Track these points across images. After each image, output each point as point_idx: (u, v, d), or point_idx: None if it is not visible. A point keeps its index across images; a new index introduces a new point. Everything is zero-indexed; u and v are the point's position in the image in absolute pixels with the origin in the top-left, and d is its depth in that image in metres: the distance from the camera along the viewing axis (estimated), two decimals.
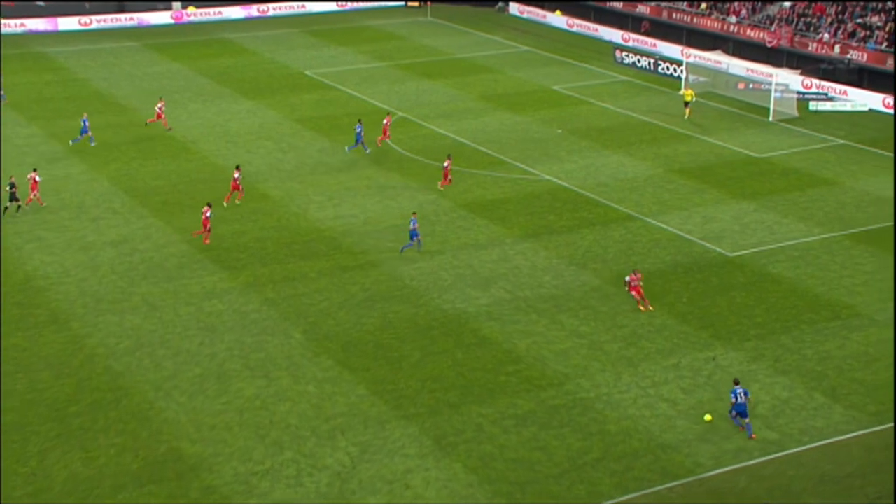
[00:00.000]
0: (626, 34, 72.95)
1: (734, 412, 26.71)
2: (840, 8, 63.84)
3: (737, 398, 26.57)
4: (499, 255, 38.04)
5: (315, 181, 46.04)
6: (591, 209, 42.31)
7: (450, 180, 44.12)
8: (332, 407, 28.46)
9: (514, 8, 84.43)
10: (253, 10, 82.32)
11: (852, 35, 61.17)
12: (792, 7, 66.22)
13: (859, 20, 61.89)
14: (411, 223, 37.42)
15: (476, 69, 66.70)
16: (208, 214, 38.43)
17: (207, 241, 38.31)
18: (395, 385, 29.48)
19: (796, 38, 63.43)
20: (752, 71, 59.96)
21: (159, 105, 53.11)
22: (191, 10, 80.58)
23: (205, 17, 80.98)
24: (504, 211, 42.30)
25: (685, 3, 72.14)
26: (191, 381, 29.60)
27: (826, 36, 61.68)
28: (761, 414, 27.58)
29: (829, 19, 63.36)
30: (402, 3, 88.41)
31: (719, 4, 70.21)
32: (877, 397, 28.19)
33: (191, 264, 37.14)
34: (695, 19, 70.43)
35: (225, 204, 41.79)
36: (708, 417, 27.44)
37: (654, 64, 64.83)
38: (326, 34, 77.30)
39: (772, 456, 26.10)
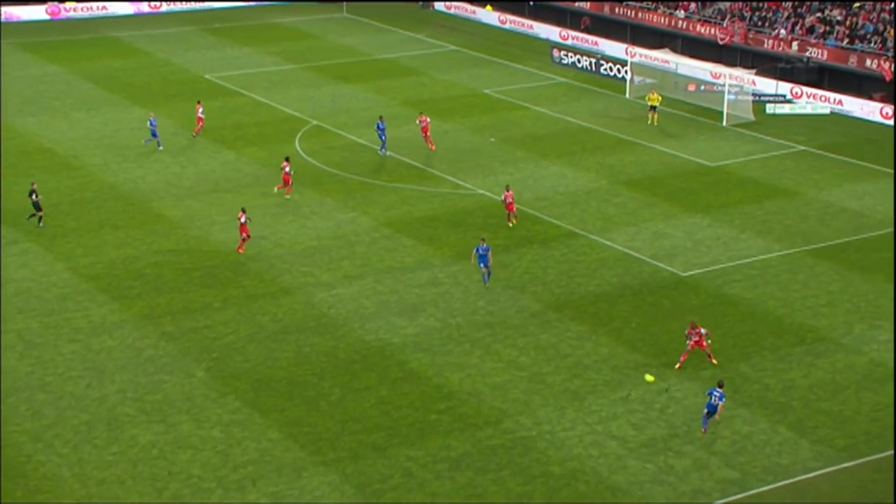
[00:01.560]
0: (565, 31, 74.10)
1: (706, 411, 28.35)
2: (797, 2, 65.75)
3: (712, 398, 28.24)
4: (427, 279, 38.18)
5: (218, 199, 45.72)
6: (529, 226, 42.76)
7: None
8: (241, 454, 28.20)
9: (440, 3, 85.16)
10: (144, 6, 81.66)
11: (811, 31, 63.03)
12: (745, 1, 68.00)
13: (818, 14, 63.83)
14: (480, 251, 36.38)
15: (399, 71, 67.00)
16: (243, 220, 39.30)
17: (242, 251, 39.54)
18: (313, 427, 29.34)
19: (750, 35, 65.14)
20: (704, 71, 61.35)
21: (200, 110, 53.13)
22: (69, 4, 79.44)
23: (87, 13, 79.98)
24: (432, 229, 42.49)
25: None
26: (76, 430, 29.07)
27: (783, 32, 63.45)
28: (721, 451, 28.10)
29: (786, 14, 65.20)
30: None
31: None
32: (846, 430, 28.94)
33: (75, 295, 36.55)
34: (640, 15, 71.89)
35: (287, 196, 44.71)
36: (650, 378, 29.62)
37: (596, 64, 65.95)
38: (229, 33, 76.94)
39: (733, 497, 26.58)
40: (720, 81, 58.22)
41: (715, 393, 28.44)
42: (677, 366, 32.17)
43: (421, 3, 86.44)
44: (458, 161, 50.26)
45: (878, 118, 55.98)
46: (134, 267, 38.96)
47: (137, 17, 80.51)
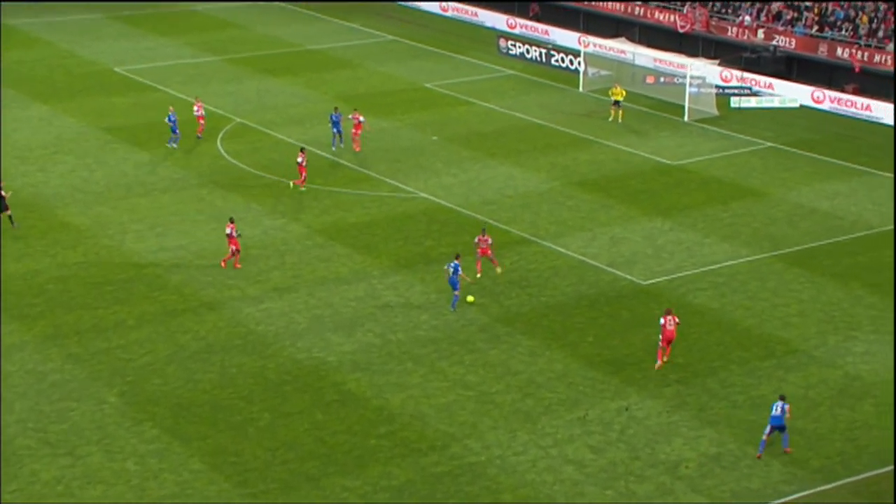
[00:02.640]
0: (512, 19, 74.50)
1: (770, 427, 28.82)
2: None
3: (773, 410, 28.84)
4: (365, 291, 38.09)
5: (132, 205, 45.25)
6: (476, 232, 42.80)
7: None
8: (159, 487, 27.87)
9: None
10: None
11: (777, 17, 63.99)
12: None
13: (785, 0, 64.89)
14: (451, 268, 36.30)
15: (332, 64, 66.84)
16: (229, 231, 39.10)
17: (224, 265, 39.37)
18: (240, 456, 29.09)
19: (713, 22, 65.96)
20: (663, 62, 62.00)
21: (196, 106, 52.44)
22: None
23: None
24: (370, 237, 42.41)
25: None
26: None
27: (747, 19, 64.34)
28: (686, 475, 28.34)
29: None
30: None
31: None
32: (820, 450, 29.32)
33: None
34: (593, 1, 72.48)
35: (302, 189, 45.96)
36: (470, 299, 31.42)
37: (546, 55, 66.35)
38: (142, 21, 76.24)
39: None
40: (681, 73, 58.87)
41: (777, 406, 28.76)
42: (656, 365, 32.81)
43: None
44: (397, 161, 50.24)
45: (848, 111, 56.89)
46: (36, 282, 38.37)
47: (36, 3, 79.38)
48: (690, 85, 57.18)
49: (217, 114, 55.72)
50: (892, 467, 28.58)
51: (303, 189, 46.19)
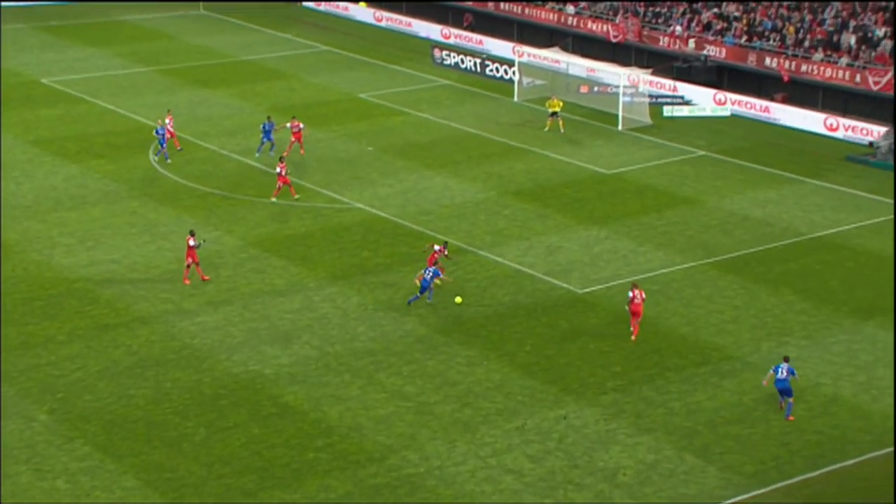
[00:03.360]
0: (446, 29, 74.68)
1: (778, 389, 30.77)
2: None
3: (778, 373, 30.59)
4: (301, 303, 37.89)
5: (61, 219, 44.62)
6: (413, 242, 42.82)
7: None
8: None
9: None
10: None
11: (707, 27, 64.85)
12: None
13: (715, 10, 65.74)
14: (426, 273, 36.69)
15: (265, 74, 66.52)
16: (192, 244, 38.52)
17: (188, 281, 38.96)
18: (175, 472, 28.75)
19: (645, 32, 66.67)
20: (597, 71, 62.49)
21: (168, 120, 51.24)
22: None
23: None
24: (306, 248, 42.21)
25: None
26: None
27: (678, 29, 65.13)
28: (624, 483, 28.50)
29: (681, 9, 66.97)
30: None
31: None
32: (755, 455, 29.66)
33: None
34: (527, 11, 72.91)
35: (273, 200, 46.00)
36: (458, 300, 33.63)
37: (481, 64, 66.60)
38: (70, 31, 75.28)
39: None
40: (614, 82, 59.39)
41: (782, 368, 30.52)
42: (633, 336, 34.73)
43: None
44: (332, 172, 50.09)
45: (778, 120, 57.77)
46: None
47: None
48: (624, 94, 57.70)
49: (148, 125, 55.12)
50: (823, 470, 29.00)
51: (273, 200, 45.89)
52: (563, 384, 32.94)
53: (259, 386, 32.79)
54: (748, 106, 59.06)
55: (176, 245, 42.10)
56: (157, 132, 50.72)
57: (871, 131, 54.21)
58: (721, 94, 60.10)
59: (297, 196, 46.23)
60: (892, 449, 29.78)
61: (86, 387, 32.58)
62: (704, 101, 60.06)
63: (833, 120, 56.08)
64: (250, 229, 43.73)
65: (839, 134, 55.48)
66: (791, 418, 30.81)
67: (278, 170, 46.06)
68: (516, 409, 31.68)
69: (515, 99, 61.66)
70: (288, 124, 51.60)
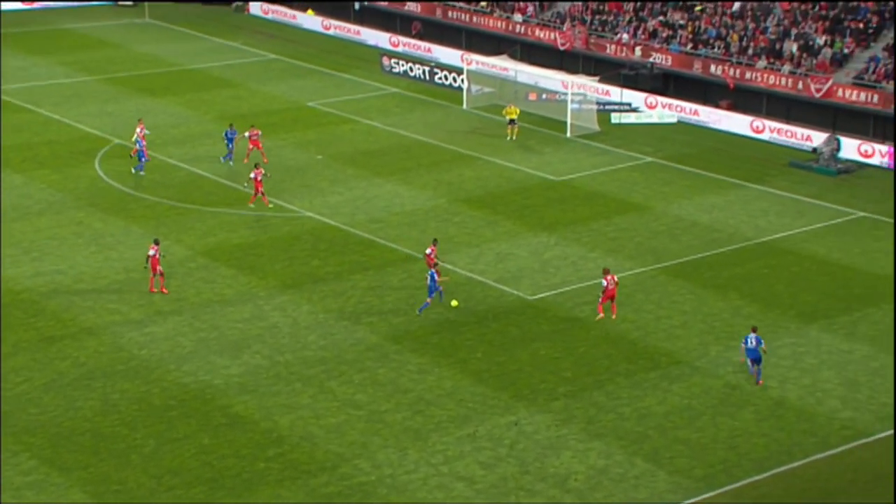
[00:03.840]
0: (395, 37, 74.74)
1: (749, 360, 33.31)
2: (638, 4, 68.17)
3: (747, 343, 33.09)
4: (251, 313, 37.72)
5: (5, 230, 44.11)
6: (364, 251, 42.79)
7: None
8: None
9: (255, 7, 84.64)
10: None
11: (653, 35, 65.46)
12: (585, 4, 70.08)
13: (660, 18, 66.35)
14: (429, 277, 37.22)
15: (212, 83, 66.19)
16: (152, 253, 38.42)
17: (154, 290, 38.63)
18: (124, 484, 28.49)
19: (592, 40, 67.15)
20: (545, 79, 62.83)
21: (139, 129, 50.77)
22: None
23: None
24: (255, 257, 42.04)
25: (462, 0, 74.77)
26: None
27: (625, 37, 65.66)
28: (575, 488, 28.65)
29: (628, 17, 67.52)
30: (112, 0, 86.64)
31: (502, 0, 73.25)
32: (704, 459, 29.94)
33: None
34: (475, 19, 73.16)
35: (251, 204, 46.46)
36: (454, 303, 35.70)
37: (430, 73, 66.73)
38: (11, 40, 74.43)
39: None
40: (562, 90, 59.72)
41: (751, 338, 32.95)
42: (613, 316, 36.88)
43: (234, 4, 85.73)
44: (282, 181, 49.93)
45: (723, 127, 58.41)
46: None
47: None
48: (572, 101, 58.07)
49: (94, 135, 54.65)
50: (770, 473, 29.36)
51: (251, 205, 46.31)
52: (514, 390, 33.05)
53: (209, 396, 32.59)
54: (694, 112, 59.65)
55: (123, 255, 41.78)
56: (138, 145, 49.92)
57: (811, 137, 54.94)
58: (667, 101, 60.66)
59: (269, 205, 46.43)
60: (834, 451, 30.23)
61: (31, 400, 32.18)
62: (651, 107, 60.57)
63: (772, 124, 56.83)
64: (199, 238, 43.47)
65: (782, 139, 56.20)
66: (761, 383, 33.10)
67: (253, 175, 46.23)
68: (468, 415, 31.74)
69: (464, 106, 61.83)
70: (247, 133, 51.51)
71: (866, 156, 53.24)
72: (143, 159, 49.92)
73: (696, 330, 36.77)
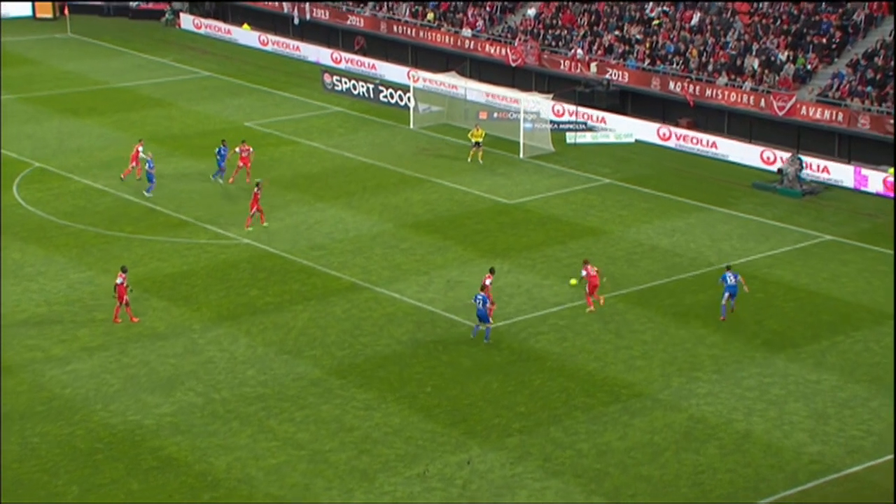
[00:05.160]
0: (337, 53, 74.84)
1: (727, 294, 39.25)
2: (593, 18, 68.76)
3: (727, 280, 39.23)
4: (185, 347, 37.41)
5: None
6: (305, 279, 42.64)
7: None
8: None
9: (187, 21, 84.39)
10: None
11: (609, 51, 66.06)
12: (537, 17, 70.63)
13: (616, 33, 66.99)
14: (477, 301, 37.84)
15: (141, 102, 65.84)
16: (120, 281, 38.38)
17: (118, 320, 38.68)
18: None
19: (545, 56, 67.64)
20: (496, 96, 63.15)
21: (139, 147, 51.31)
22: None
23: None
24: (189, 287, 41.76)
25: (408, 13, 75.08)
26: None
27: (579, 52, 66.21)
28: None
29: (582, 31, 68.09)
30: (29, 14, 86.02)
31: (450, 14, 73.64)
32: (667, 496, 30.02)
33: None
34: (422, 33, 73.45)
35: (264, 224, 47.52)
36: (573, 281, 40.26)
37: (374, 90, 66.85)
38: None
39: None
40: (514, 108, 60.03)
41: (728, 276, 39.02)
42: (601, 303, 40.12)
43: (163, 18, 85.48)
44: (217, 206, 49.69)
45: (683, 146, 58.97)
46: None
47: None
48: (525, 120, 58.39)
49: (12, 158, 54.15)
50: None
51: (265, 224, 47.29)
52: (466, 427, 32.99)
53: (139, 438, 32.23)
54: (652, 132, 60.22)
55: (44, 287, 41.32)
56: (148, 166, 50.27)
57: (774, 156, 55.59)
58: (625, 120, 61.17)
59: (265, 224, 47.15)
60: (802, 487, 30.47)
61: None
62: (608, 126, 61.05)
63: (734, 144, 57.46)
64: (128, 268, 43.01)
65: (744, 159, 56.80)
66: (733, 310, 39.50)
67: (257, 189, 46.92)
68: (417, 454, 31.64)
69: (411, 126, 61.97)
70: (237, 149, 52.12)
71: (830, 175, 53.96)
72: (152, 181, 50.26)
73: (658, 360, 36.96)
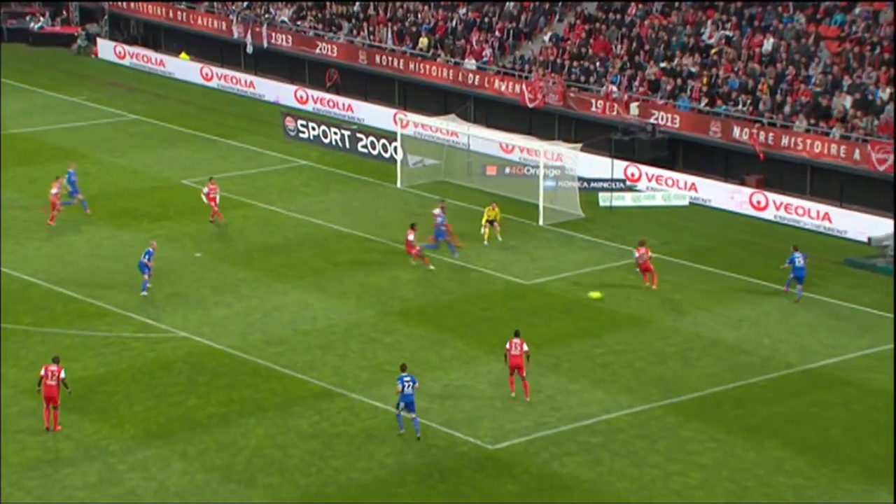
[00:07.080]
0: (303, 91, 75.23)
1: (793, 277, 48.63)
2: (633, 45, 69.00)
3: (795, 262, 47.98)
4: (99, 475, 37.14)
5: None
6: (260, 384, 42.48)
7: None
8: None
9: (106, 48, 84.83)
10: None
11: (655, 87, 66.29)
12: (556, 43, 70.84)
13: (663, 65, 67.24)
14: (403, 384, 38.73)
15: (48, 153, 66.10)
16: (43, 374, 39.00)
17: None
18: None
19: (571, 94, 67.86)
20: (508, 147, 63.30)
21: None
22: None
23: None
24: (107, 396, 41.59)
25: (394, 40, 75.37)
26: None
27: (614, 89, 66.41)
28: None
29: (619, 63, 68.29)
30: None
31: (448, 41, 73.95)
32: None
33: None
34: (412, 65, 73.82)
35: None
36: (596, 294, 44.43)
37: (351, 139, 67.10)
38: None
39: None
40: (532, 161, 60.16)
41: (797, 257, 47.85)
42: (654, 287, 47.16)
43: (75, 45, 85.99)
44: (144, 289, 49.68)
45: (752, 211, 59.06)
46: None
47: None
48: (546, 177, 58.47)
49: None
50: None
51: (213, 221, 49.41)
52: None
53: None
54: (712, 192, 60.28)
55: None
56: (71, 186, 54.57)
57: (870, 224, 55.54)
58: (676, 176, 61.28)
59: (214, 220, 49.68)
60: None
61: None
62: (653, 185, 61.18)
63: (819, 208, 57.52)
64: (23, 371, 42.86)
65: (832, 228, 56.75)
66: (798, 300, 46.86)
67: (207, 190, 50.02)
68: None
69: (398, 184, 62.15)
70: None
71: None
72: (74, 196, 53.75)
73: (722, 491, 36.66)
